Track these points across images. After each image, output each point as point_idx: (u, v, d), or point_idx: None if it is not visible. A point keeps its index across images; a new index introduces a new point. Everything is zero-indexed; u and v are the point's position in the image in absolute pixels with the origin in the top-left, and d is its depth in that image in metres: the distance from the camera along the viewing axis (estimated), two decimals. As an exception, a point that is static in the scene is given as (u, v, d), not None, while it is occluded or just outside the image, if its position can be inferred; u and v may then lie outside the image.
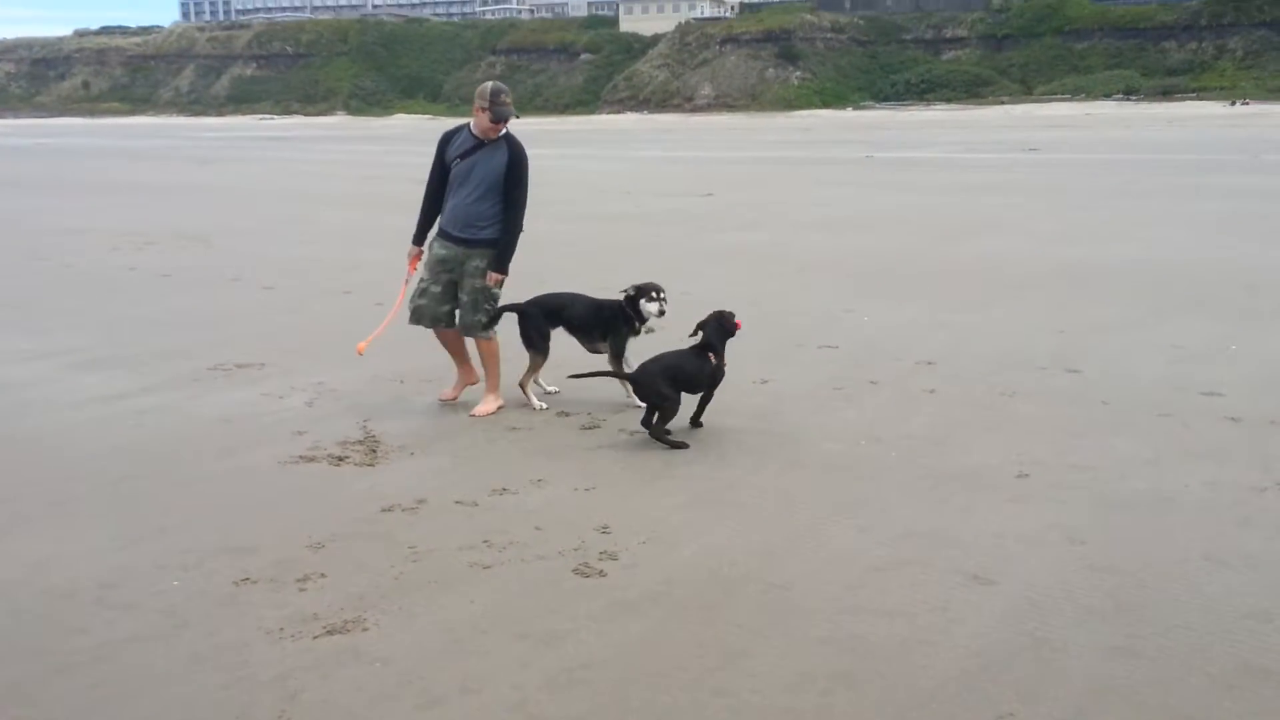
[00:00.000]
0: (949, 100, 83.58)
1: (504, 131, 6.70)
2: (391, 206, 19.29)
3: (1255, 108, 64.92)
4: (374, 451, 6.07)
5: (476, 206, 6.67)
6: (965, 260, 12.66)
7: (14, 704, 3.48)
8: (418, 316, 6.89)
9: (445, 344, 7.02)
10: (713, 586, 4.28)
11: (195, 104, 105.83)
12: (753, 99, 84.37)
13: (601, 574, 4.42)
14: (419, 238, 6.96)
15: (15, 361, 8.21)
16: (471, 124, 6.74)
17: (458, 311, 6.84)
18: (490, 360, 6.88)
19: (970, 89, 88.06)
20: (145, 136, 52.69)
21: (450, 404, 6.97)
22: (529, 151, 6.78)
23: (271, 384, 7.41)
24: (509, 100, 6.65)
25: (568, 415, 6.69)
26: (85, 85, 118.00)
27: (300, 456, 5.97)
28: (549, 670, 3.66)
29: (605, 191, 22.76)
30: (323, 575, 4.43)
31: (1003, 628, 3.88)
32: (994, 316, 9.46)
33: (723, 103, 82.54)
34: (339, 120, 74.45)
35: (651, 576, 4.37)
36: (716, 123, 63.73)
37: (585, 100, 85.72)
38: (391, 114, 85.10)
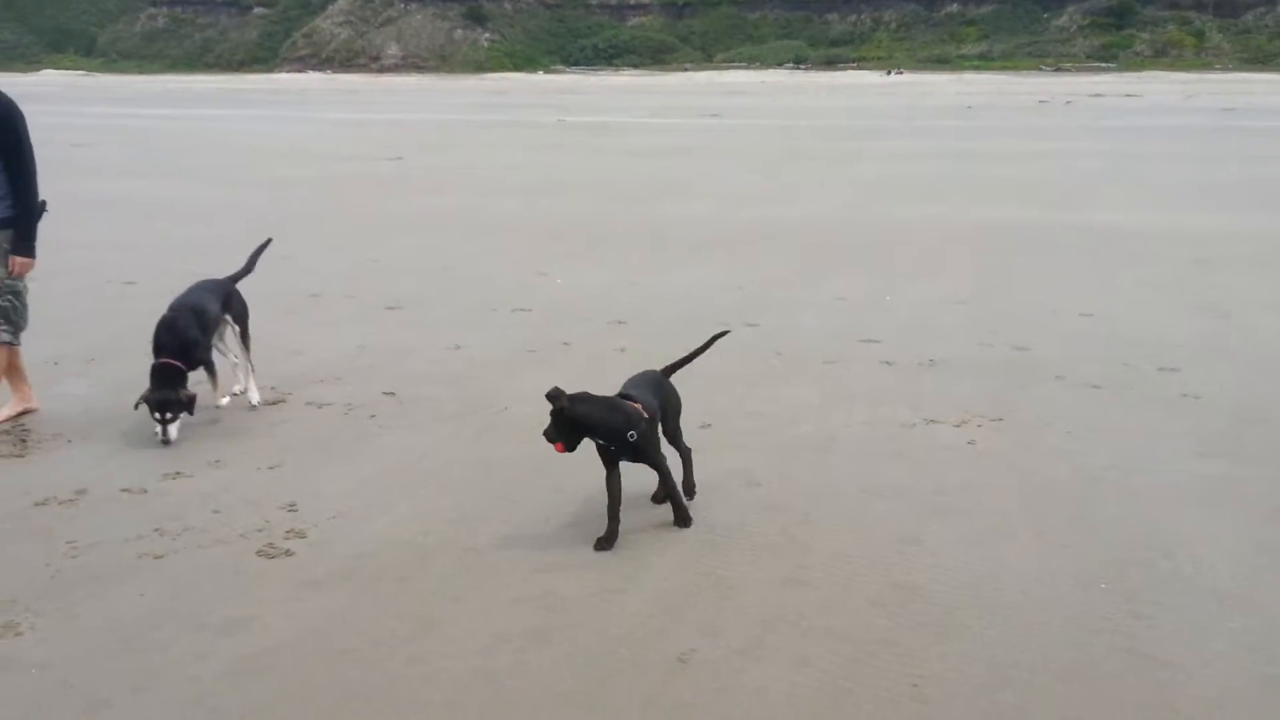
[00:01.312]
0: (636, 66, 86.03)
1: None
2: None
3: (908, 76, 71.45)
4: (24, 441, 5.50)
5: None
6: (653, 222, 13.12)
7: None
8: None
9: None
10: (407, 557, 4.22)
11: None
12: (443, 60, 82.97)
13: (288, 554, 4.24)
14: None
15: None
16: None
17: None
18: (11, 372, 5.77)
19: (655, 55, 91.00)
20: None
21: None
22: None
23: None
24: None
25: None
26: None
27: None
28: (229, 659, 3.48)
29: (285, 155, 21.66)
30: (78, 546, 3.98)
31: (686, 570, 4.10)
32: (680, 275, 9.88)
33: (411, 63, 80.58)
34: (-29, 74, 66.11)
35: (343, 552, 4.25)
36: (405, 84, 62.15)
37: (262, 58, 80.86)
38: (39, 69, 76.53)
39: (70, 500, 4.75)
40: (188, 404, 5.41)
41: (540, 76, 71.72)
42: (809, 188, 16.62)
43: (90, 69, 75.21)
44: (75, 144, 23.15)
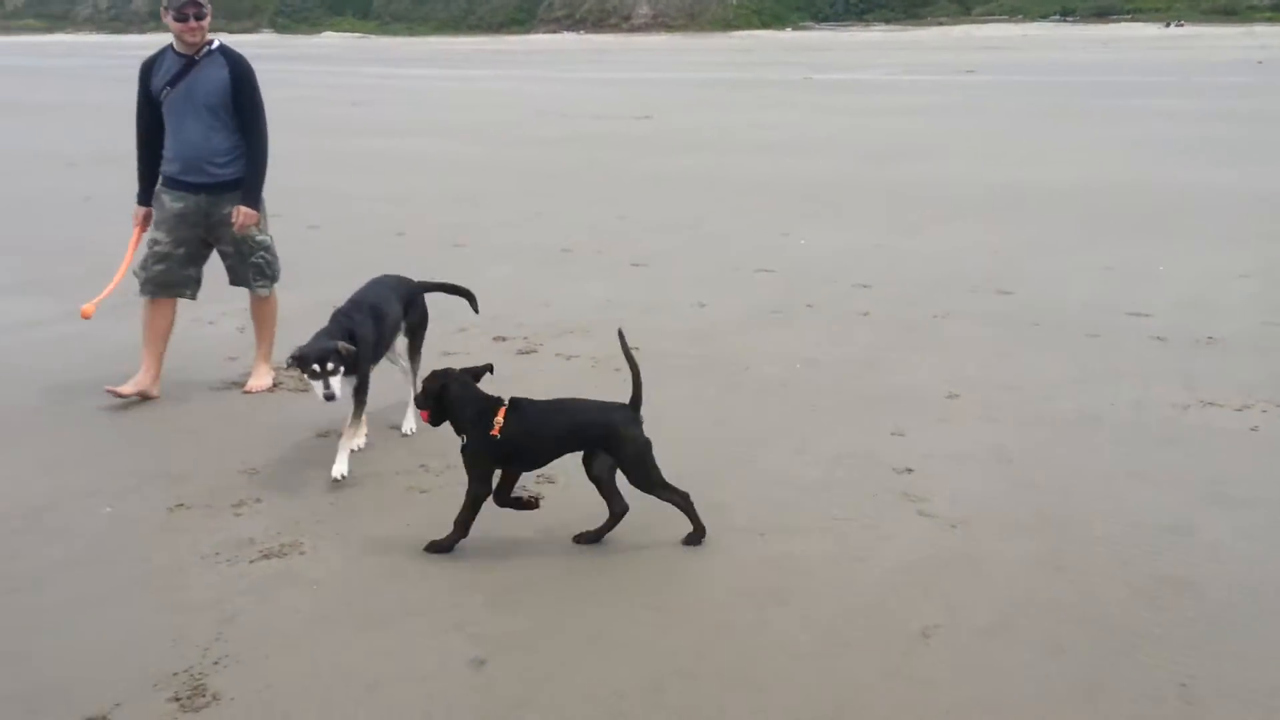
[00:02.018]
0: (887, 21, 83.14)
1: (215, 44, 5.55)
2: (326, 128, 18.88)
3: (1190, 29, 65.51)
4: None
5: (205, 142, 5.49)
6: (902, 183, 12.71)
7: (-60, 635, 3.43)
8: (155, 286, 5.60)
9: (150, 324, 5.64)
10: (645, 511, 4.30)
11: (115, 20, 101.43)
12: (691, 19, 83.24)
13: (540, 496, 4.43)
14: (143, 195, 5.68)
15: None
16: (173, 42, 5.55)
17: (229, 269, 5.79)
18: (266, 323, 5.88)
19: (909, 9, 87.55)
20: (61, 55, 50.43)
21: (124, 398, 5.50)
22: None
23: (201, 309, 7.25)
24: None
25: (504, 340, 6.65)
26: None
27: (233, 382, 5.88)
28: (488, 590, 3.69)
29: (541, 114, 22.40)
30: (258, 500, 4.40)
31: (930, 544, 3.99)
32: (930, 239, 9.55)
33: (661, 22, 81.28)
34: (265, 38, 71.92)
35: (586, 500, 4.39)
36: (654, 43, 62.81)
37: (520, 19, 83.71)
38: (320, 32, 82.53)
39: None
40: (348, 358, 4.57)
41: (788, 34, 70.66)
42: (1074, 148, 15.60)
43: (365, 31, 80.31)
44: (354, 102, 24.87)
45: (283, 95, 26.31)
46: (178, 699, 3.04)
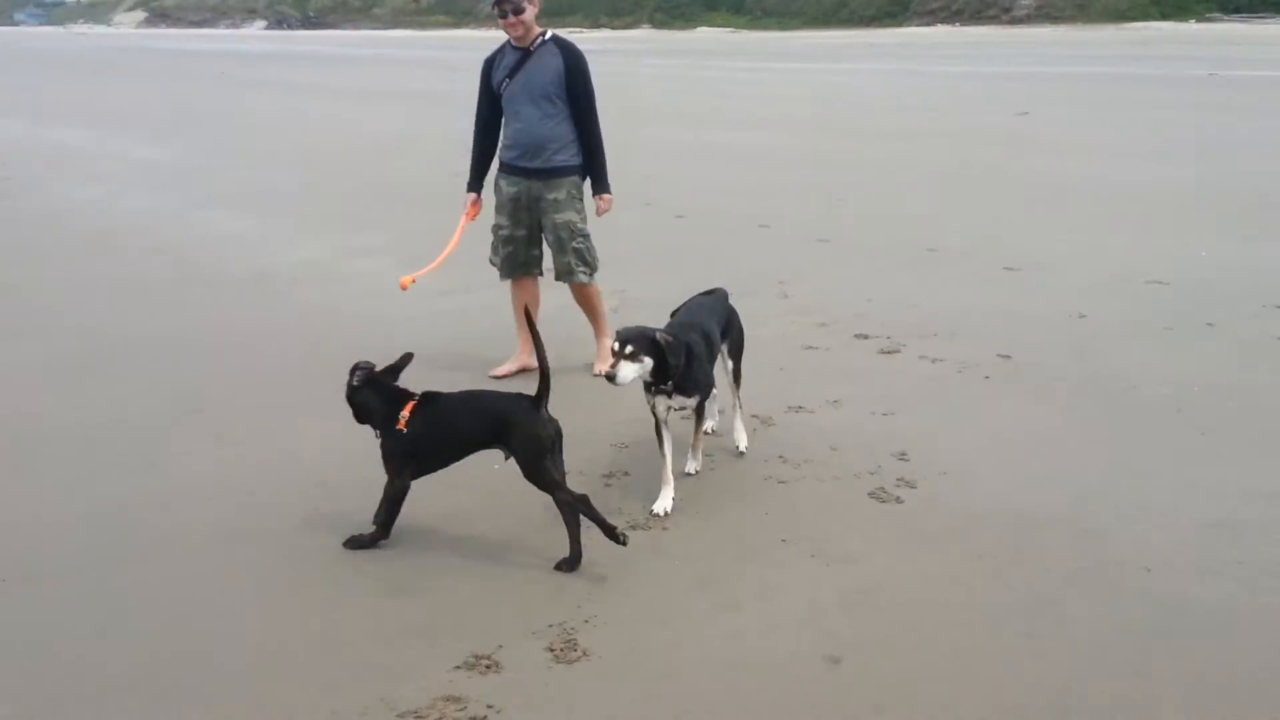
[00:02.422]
0: (1315, 11, 73.29)
1: (548, 35, 5.76)
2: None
3: None
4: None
5: (541, 128, 5.69)
6: (1327, 194, 11.18)
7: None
8: (508, 268, 5.95)
9: (517, 303, 5.94)
10: (1017, 527, 4.09)
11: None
12: (1080, 9, 77.73)
13: (898, 500, 4.34)
14: (474, 182, 5.95)
15: (370, 254, 9.01)
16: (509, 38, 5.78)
17: (554, 261, 5.92)
18: (593, 309, 6.05)
19: (1343, -3, 76.73)
20: (464, 49, 55.59)
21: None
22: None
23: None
24: None
25: (866, 338, 6.55)
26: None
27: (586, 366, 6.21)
28: (841, 589, 3.66)
29: (906, 109, 21.84)
30: (626, 474, 4.62)
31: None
32: (1361, 259, 8.33)
33: (1045, 14, 76.54)
34: (644, 34, 75.56)
35: (952, 510, 4.24)
36: (1037, 35, 59.27)
37: (893, 12, 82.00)
38: (695, 27, 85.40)
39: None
40: (666, 350, 4.15)
41: (1191, 26, 64.33)
42: None
43: (738, 26, 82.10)
44: (723, 95, 25.54)
45: (656, 88, 27.59)
46: (552, 650, 3.27)
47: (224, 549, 4.00)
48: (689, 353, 4.29)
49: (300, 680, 3.15)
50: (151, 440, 5.09)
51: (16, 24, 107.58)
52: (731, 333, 4.85)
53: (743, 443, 4.87)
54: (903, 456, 4.76)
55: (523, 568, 3.81)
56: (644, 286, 7.68)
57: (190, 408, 5.49)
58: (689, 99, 24.63)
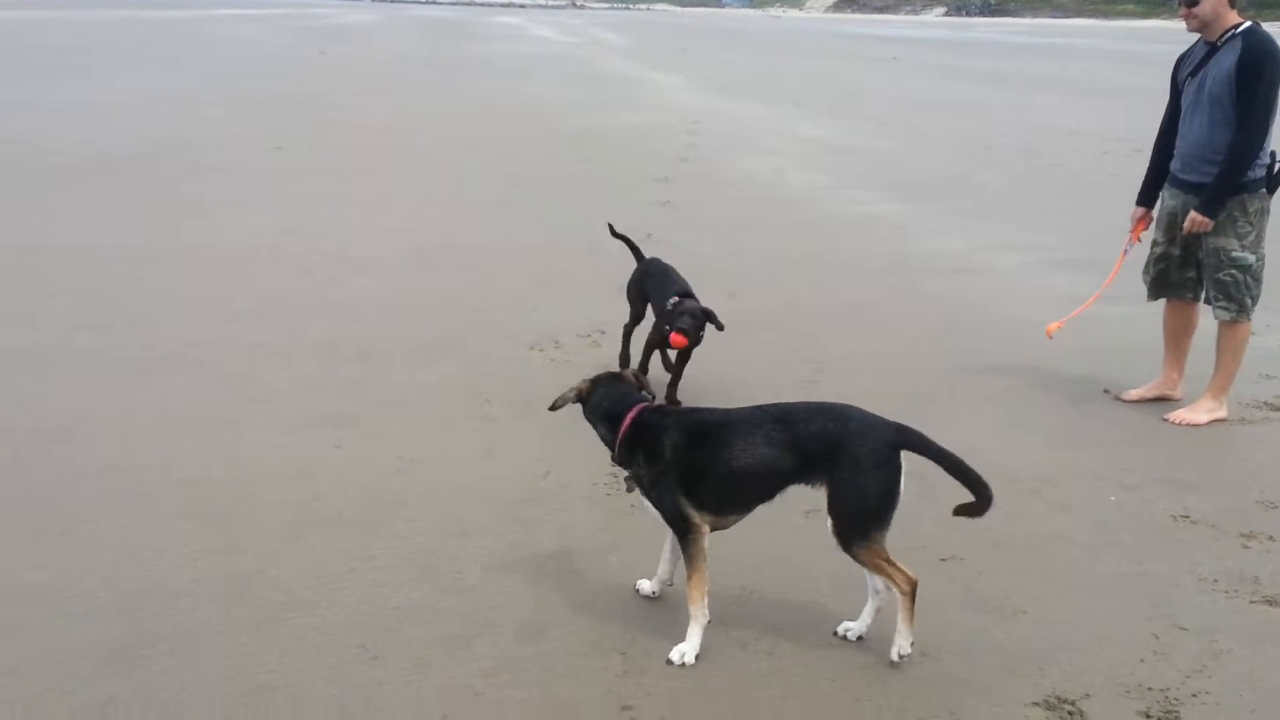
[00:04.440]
0: None
1: (1242, 27, 4.96)
2: None
3: None
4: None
5: (1206, 136, 5.01)
6: None
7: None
8: (1156, 288, 5.44)
9: (1166, 325, 5.50)
10: None
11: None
12: None
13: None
14: (1145, 195, 5.44)
15: (1005, 251, 8.88)
16: None
17: (1205, 281, 5.25)
18: (1225, 351, 5.22)
19: None
20: (1157, 41, 51.25)
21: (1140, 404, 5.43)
22: None
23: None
24: None
25: None
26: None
27: (1265, 402, 5.48)
28: None
29: None
30: (1270, 539, 4.04)
31: None
32: None
33: None
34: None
35: None
36: None
37: None
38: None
39: None
40: None
41: None
42: None
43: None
44: None
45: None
46: (1148, 715, 2.98)
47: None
48: None
49: (871, 676, 3.14)
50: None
51: (723, 7, 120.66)
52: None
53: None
54: None
55: (1126, 617, 3.51)
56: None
57: (807, 378, 5.73)
58: None
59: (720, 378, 5.50)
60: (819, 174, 12.74)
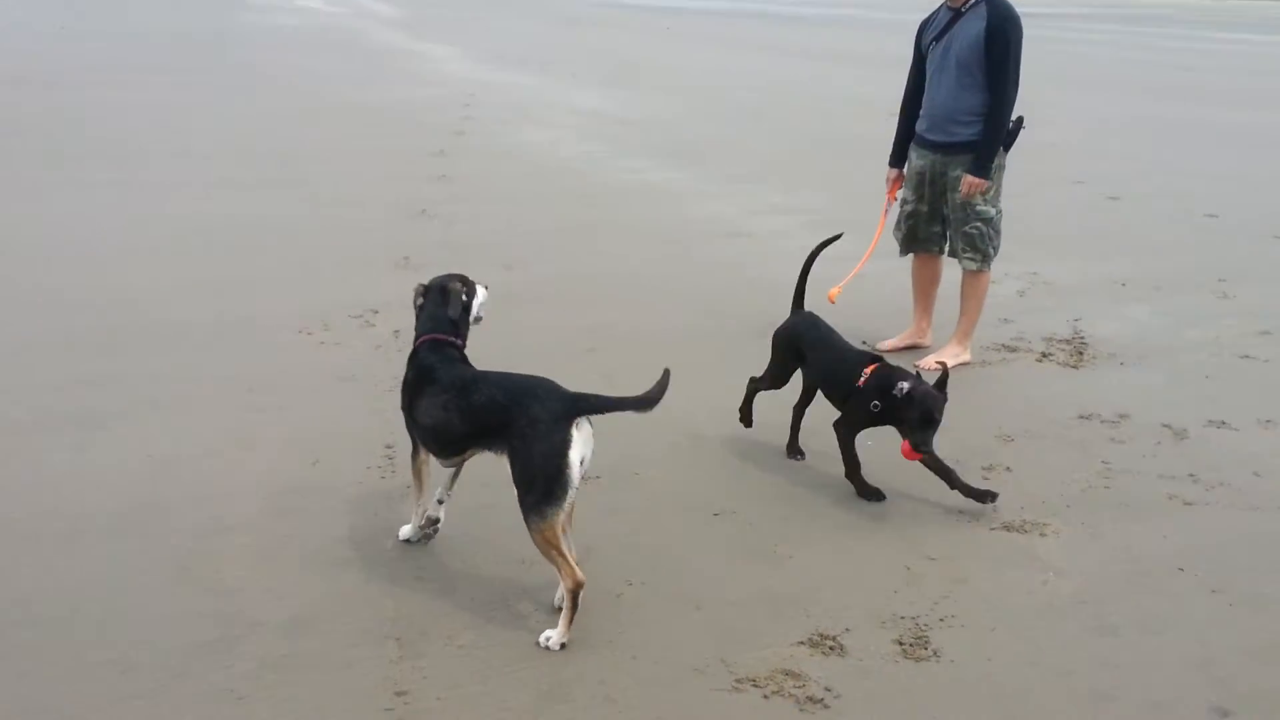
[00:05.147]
0: None
1: None
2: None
3: None
4: (1080, 354, 5.77)
5: (953, 99, 5.31)
6: None
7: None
8: (906, 244, 5.75)
9: (914, 278, 5.84)
10: None
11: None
12: None
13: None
14: (896, 156, 5.71)
15: (777, 214, 9.15)
16: None
17: (949, 236, 5.61)
18: (969, 299, 5.57)
19: None
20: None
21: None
22: None
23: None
24: None
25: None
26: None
27: (1003, 345, 5.88)
28: (1244, 634, 3.24)
29: None
30: (1007, 469, 4.36)
31: None
32: None
33: None
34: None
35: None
36: None
37: None
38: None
39: (1112, 422, 4.86)
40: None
41: None
42: None
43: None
44: (1187, 69, 22.91)
45: (1106, 55, 25.21)
46: (901, 643, 3.16)
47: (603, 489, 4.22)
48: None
49: (646, 633, 3.21)
50: (554, 371, 5.49)
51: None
52: None
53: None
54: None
55: (884, 552, 3.72)
56: (1057, 271, 7.16)
57: (585, 348, 5.74)
58: (1150, 70, 22.35)
59: (499, 352, 5.43)
60: (595, 144, 12.78)
